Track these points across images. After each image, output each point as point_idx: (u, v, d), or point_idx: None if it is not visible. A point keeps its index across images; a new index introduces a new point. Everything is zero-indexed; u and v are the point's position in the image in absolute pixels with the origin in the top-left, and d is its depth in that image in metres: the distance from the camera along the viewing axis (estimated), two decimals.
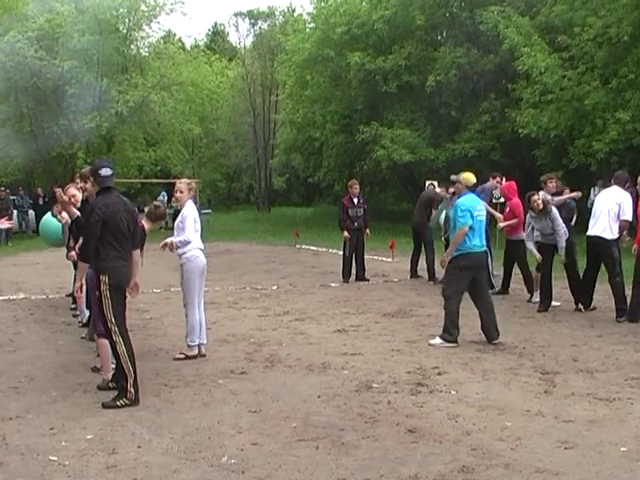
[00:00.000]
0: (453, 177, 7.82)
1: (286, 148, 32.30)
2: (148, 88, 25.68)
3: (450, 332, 7.24)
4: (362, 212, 12.23)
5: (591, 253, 8.92)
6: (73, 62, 24.06)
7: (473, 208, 7.40)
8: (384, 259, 15.21)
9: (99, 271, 5.42)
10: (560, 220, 9.06)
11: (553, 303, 9.44)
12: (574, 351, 6.97)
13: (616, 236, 8.63)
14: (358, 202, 12.26)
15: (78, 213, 6.78)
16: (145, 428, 4.83)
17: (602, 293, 9.30)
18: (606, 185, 9.90)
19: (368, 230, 12.50)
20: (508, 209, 10.40)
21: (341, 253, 12.58)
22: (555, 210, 9.10)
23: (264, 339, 7.62)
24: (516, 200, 10.29)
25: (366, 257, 12.76)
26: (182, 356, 6.76)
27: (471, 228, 7.30)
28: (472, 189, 7.70)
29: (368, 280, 12.15)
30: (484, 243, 7.58)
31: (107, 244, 5.41)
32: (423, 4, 22.81)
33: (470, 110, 23.30)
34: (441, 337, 7.27)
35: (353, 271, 12.31)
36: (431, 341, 7.28)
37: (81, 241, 6.61)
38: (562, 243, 8.95)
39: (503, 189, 10.79)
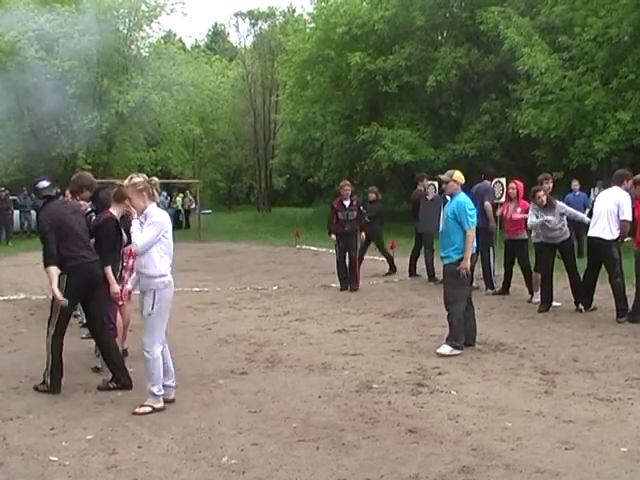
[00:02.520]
0: (442, 176, 7.58)
1: (286, 148, 32.36)
2: (148, 88, 25.69)
3: (459, 338, 6.97)
4: (354, 215, 11.34)
5: (591, 253, 8.91)
6: (73, 62, 24.08)
7: (475, 208, 7.24)
8: (384, 259, 15.18)
9: (62, 272, 5.61)
10: (568, 207, 9.37)
11: (554, 303, 9.44)
12: (574, 351, 6.96)
13: (616, 236, 8.61)
14: (350, 205, 11.38)
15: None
16: (145, 428, 4.83)
17: (602, 293, 9.29)
18: (606, 185, 9.88)
19: (363, 234, 11.71)
20: (520, 210, 10.32)
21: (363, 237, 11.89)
22: (560, 202, 9.26)
23: (264, 339, 7.62)
24: (524, 202, 10.33)
25: (366, 257, 12.71)
26: (149, 409, 5.20)
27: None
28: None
29: (357, 289, 11.17)
30: None
31: (62, 247, 5.62)
32: (423, 4, 22.81)
33: (470, 110, 23.31)
34: (450, 344, 6.93)
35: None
36: (439, 350, 6.92)
37: None
38: (581, 217, 9.31)
39: (521, 188, 10.63)
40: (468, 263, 6.99)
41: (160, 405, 5.24)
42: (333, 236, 11.53)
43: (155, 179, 5.47)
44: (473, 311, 7.32)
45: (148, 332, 5.27)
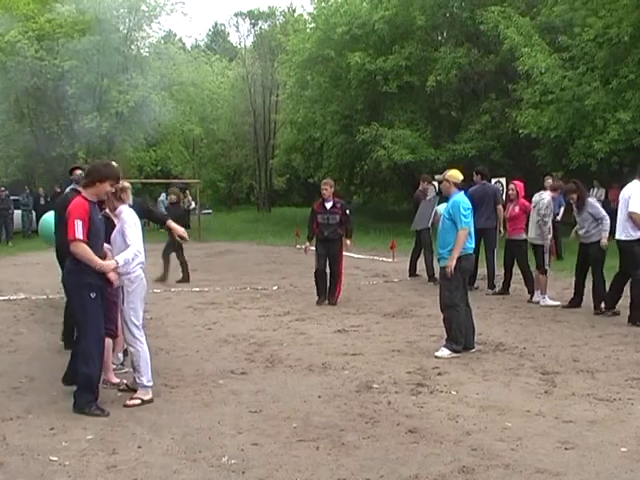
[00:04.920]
0: (438, 177, 7.52)
1: (286, 148, 32.32)
2: (148, 88, 25.70)
3: (458, 341, 6.87)
4: (337, 219, 9.83)
5: (620, 255, 8.55)
6: (73, 62, 24.12)
7: (471, 208, 7.09)
8: (384, 259, 15.21)
9: None
10: (600, 208, 9.00)
11: (553, 303, 9.42)
12: (575, 351, 6.96)
13: (635, 236, 8.20)
14: (332, 207, 9.86)
15: None
16: (145, 428, 4.83)
17: None
18: (605, 186, 9.80)
19: (349, 241, 10.12)
20: (518, 208, 10.33)
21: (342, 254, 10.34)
22: (591, 200, 9.07)
23: (264, 339, 7.62)
24: (523, 200, 10.33)
25: (366, 257, 12.68)
26: (138, 401, 5.37)
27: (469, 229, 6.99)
28: (460, 187, 7.24)
29: (335, 304, 9.85)
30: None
31: None
32: (423, 4, 22.81)
33: (470, 110, 23.31)
34: (448, 348, 6.85)
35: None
36: (437, 353, 6.81)
37: None
38: (606, 227, 8.75)
39: (521, 189, 10.61)
40: (453, 263, 6.85)
41: (149, 397, 5.40)
42: (307, 243, 10.27)
43: (126, 184, 5.70)
44: (471, 313, 7.19)
45: (125, 326, 5.47)
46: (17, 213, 23.37)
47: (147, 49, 29.69)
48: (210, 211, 33.45)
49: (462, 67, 22.13)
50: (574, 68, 17.88)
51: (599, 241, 8.82)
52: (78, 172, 7.80)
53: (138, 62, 27.60)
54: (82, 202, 5.13)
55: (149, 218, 8.28)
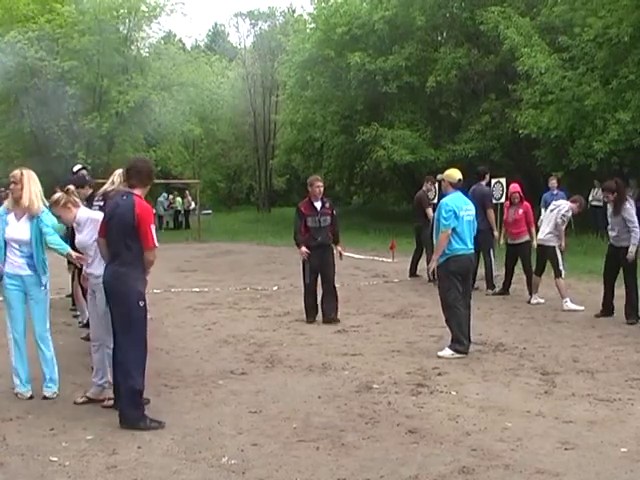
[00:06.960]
0: (440, 176, 7.53)
1: (286, 149, 32.34)
2: (148, 88, 25.70)
3: (461, 342, 6.83)
4: (328, 221, 8.71)
5: None
6: (73, 62, 24.12)
7: (459, 208, 6.95)
8: (384, 260, 15.21)
9: None
10: (635, 217, 8.45)
11: (576, 307, 9.18)
12: (575, 352, 6.96)
13: None
14: (322, 207, 8.71)
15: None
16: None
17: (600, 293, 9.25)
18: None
19: (340, 247, 9.02)
20: (521, 211, 10.30)
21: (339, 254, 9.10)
22: (630, 205, 8.46)
23: (264, 340, 7.62)
24: (526, 203, 10.31)
25: (366, 257, 12.66)
26: (112, 402, 5.22)
27: (455, 230, 6.87)
28: (458, 186, 7.18)
29: (338, 321, 8.65)
30: (472, 245, 7.13)
31: None
32: (423, 5, 22.82)
33: (470, 111, 23.32)
34: (451, 348, 6.81)
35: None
36: (440, 353, 6.79)
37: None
38: (635, 240, 8.26)
39: (519, 191, 10.56)
40: (433, 265, 6.98)
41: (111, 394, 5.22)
42: (304, 248, 8.62)
43: (71, 187, 5.66)
44: (469, 315, 7.12)
45: (110, 330, 5.11)
46: None
47: (147, 49, 29.71)
48: (210, 211, 33.44)
49: (462, 67, 22.14)
50: (574, 68, 17.88)
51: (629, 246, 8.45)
52: (83, 172, 7.81)
53: (138, 62, 27.59)
54: (150, 207, 5.05)
55: None
